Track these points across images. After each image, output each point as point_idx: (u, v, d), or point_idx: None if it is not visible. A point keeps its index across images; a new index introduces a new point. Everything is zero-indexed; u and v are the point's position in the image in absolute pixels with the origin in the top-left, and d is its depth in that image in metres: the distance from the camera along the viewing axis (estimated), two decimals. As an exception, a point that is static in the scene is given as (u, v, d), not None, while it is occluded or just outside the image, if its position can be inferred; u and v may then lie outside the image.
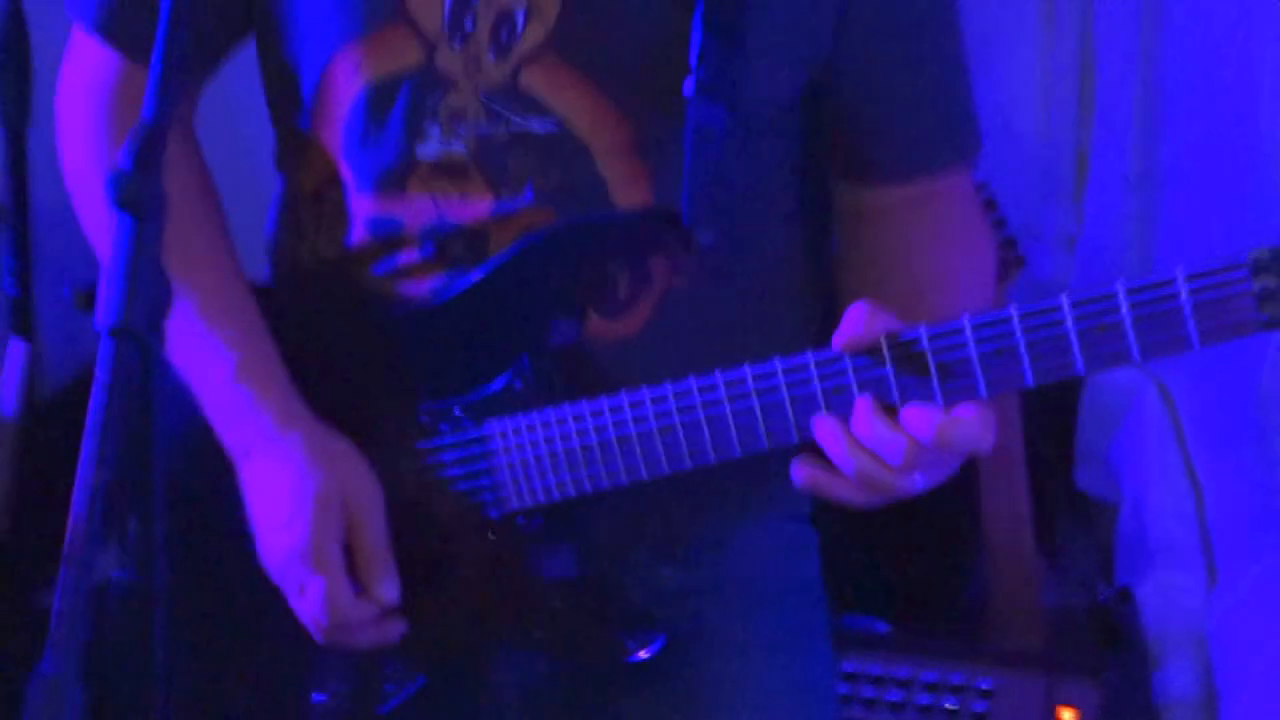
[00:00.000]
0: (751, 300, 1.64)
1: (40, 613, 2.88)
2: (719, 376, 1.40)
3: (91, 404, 1.04)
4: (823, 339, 1.41)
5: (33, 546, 2.84)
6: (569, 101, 1.50)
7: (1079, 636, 2.72)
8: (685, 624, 1.62)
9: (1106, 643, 2.62)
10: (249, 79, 1.66)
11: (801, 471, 1.39)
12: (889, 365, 1.33)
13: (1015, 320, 1.30)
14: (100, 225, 1.60)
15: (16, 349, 2.64)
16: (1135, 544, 2.86)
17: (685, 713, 1.65)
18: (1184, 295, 1.25)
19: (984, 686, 2.44)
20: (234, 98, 1.74)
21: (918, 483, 1.37)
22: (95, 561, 1.01)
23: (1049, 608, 2.71)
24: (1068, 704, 2.41)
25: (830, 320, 1.45)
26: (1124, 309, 1.26)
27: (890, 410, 1.33)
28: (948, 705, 2.45)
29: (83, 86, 1.63)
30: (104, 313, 1.06)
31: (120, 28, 1.57)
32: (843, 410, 1.35)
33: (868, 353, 1.33)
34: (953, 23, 1.64)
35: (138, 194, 1.07)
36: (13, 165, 2.67)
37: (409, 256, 1.55)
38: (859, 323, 1.32)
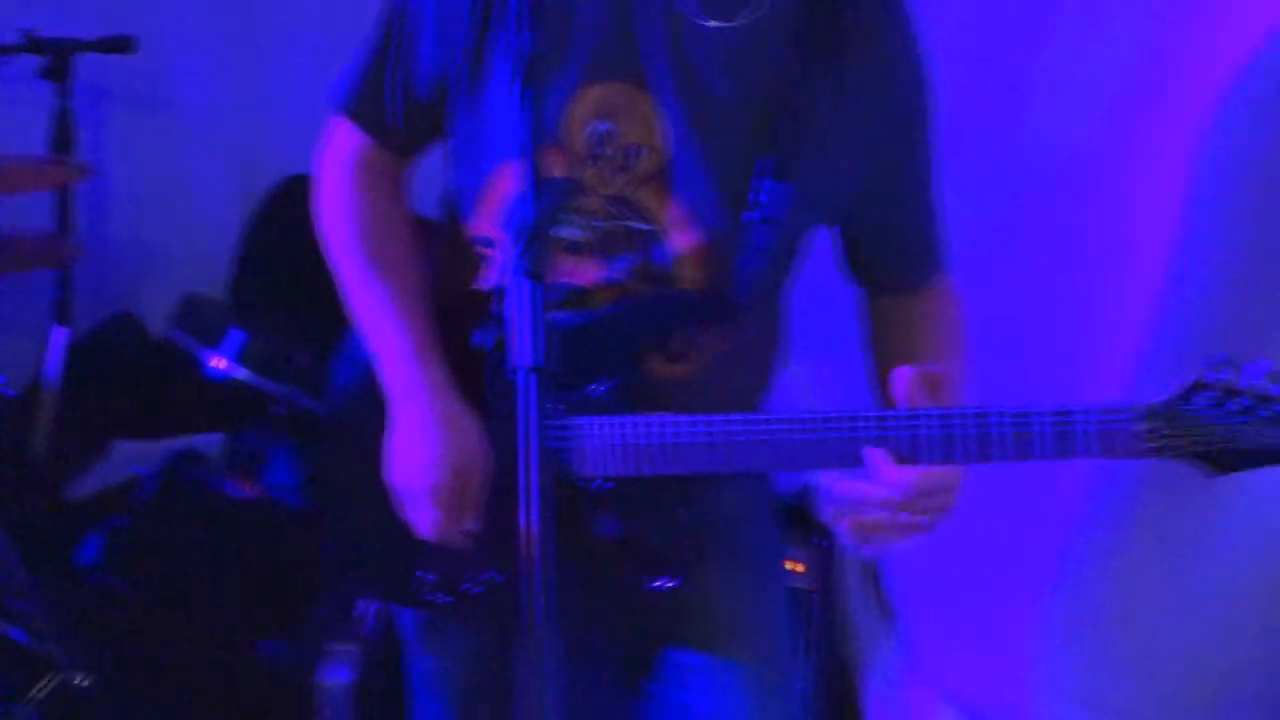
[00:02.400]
0: (759, 352, 1.91)
1: (76, 510, 3.40)
2: (759, 420, 1.63)
3: (520, 427, 1.29)
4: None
5: (71, 462, 3.57)
6: (663, 214, 1.74)
7: (801, 521, 3.03)
8: (694, 546, 1.85)
9: (806, 522, 3.00)
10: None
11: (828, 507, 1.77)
12: (921, 428, 1.55)
13: (1007, 418, 1.53)
14: (343, 259, 1.88)
15: (59, 334, 3.43)
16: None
17: (702, 599, 1.90)
18: (1094, 423, 1.52)
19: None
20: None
21: (903, 519, 1.57)
22: (551, 557, 1.25)
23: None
24: (795, 560, 2.93)
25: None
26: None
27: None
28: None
29: (338, 156, 1.92)
30: (521, 356, 1.31)
31: (364, 114, 1.86)
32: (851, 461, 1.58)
33: (894, 417, 1.56)
34: (935, 177, 1.86)
35: (537, 265, 1.32)
36: (60, 212, 3.44)
37: None
38: (906, 385, 1.57)
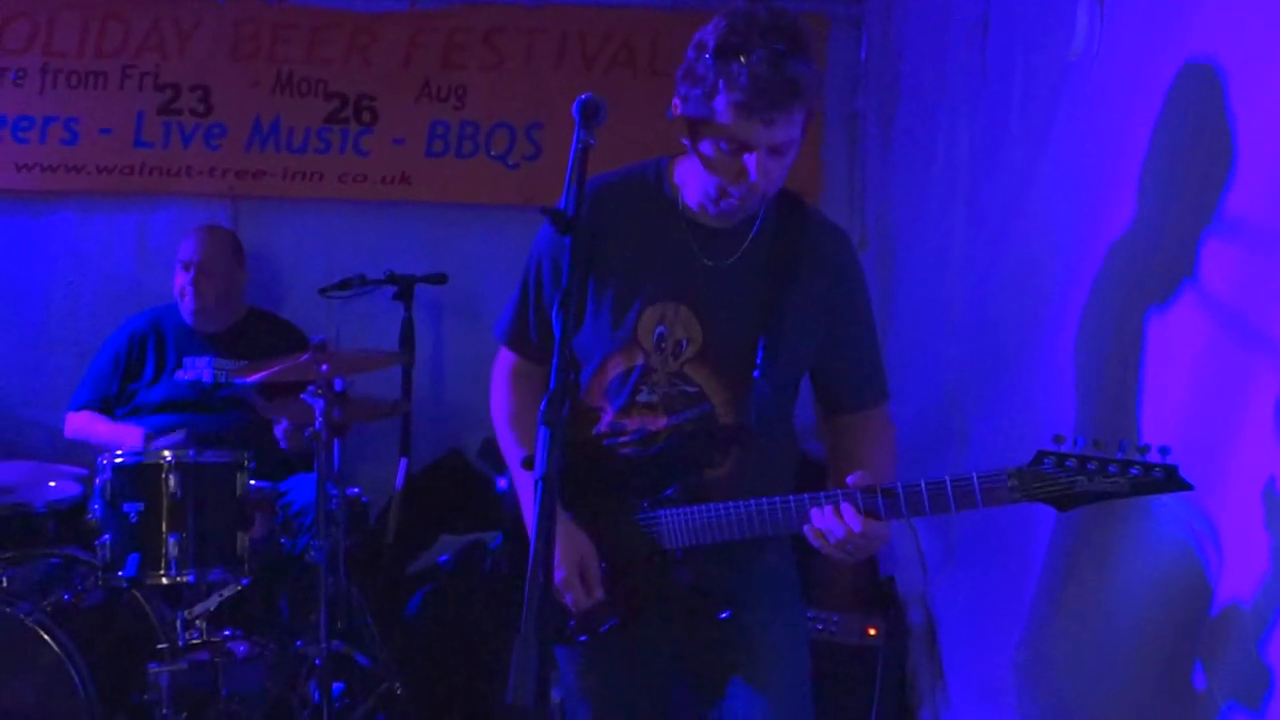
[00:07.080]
0: (774, 456, 2.23)
1: (411, 578, 4.65)
2: (776, 499, 2.01)
3: (537, 517, 1.54)
4: (799, 478, 2.13)
5: (411, 547, 4.41)
6: (703, 379, 2.13)
7: (875, 595, 3.78)
8: (738, 600, 2.16)
9: (887, 598, 3.74)
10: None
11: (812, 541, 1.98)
12: (860, 499, 1.92)
13: (923, 485, 1.89)
14: (502, 434, 2.28)
15: (403, 462, 4.53)
16: (887, 555, 3.90)
17: (746, 637, 2.18)
18: (977, 484, 1.86)
19: (835, 619, 3.54)
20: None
21: (860, 555, 1.96)
22: (545, 582, 1.49)
23: (861, 585, 3.77)
24: (871, 626, 3.50)
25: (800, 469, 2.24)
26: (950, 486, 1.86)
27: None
28: (818, 628, 3.45)
29: (501, 369, 2.32)
30: (538, 468, 1.59)
31: (514, 342, 2.29)
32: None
33: (853, 491, 1.92)
34: (874, 338, 2.24)
35: (553, 419, 1.62)
36: (404, 383, 4.56)
37: (626, 439, 2.18)
38: (860, 477, 1.94)
